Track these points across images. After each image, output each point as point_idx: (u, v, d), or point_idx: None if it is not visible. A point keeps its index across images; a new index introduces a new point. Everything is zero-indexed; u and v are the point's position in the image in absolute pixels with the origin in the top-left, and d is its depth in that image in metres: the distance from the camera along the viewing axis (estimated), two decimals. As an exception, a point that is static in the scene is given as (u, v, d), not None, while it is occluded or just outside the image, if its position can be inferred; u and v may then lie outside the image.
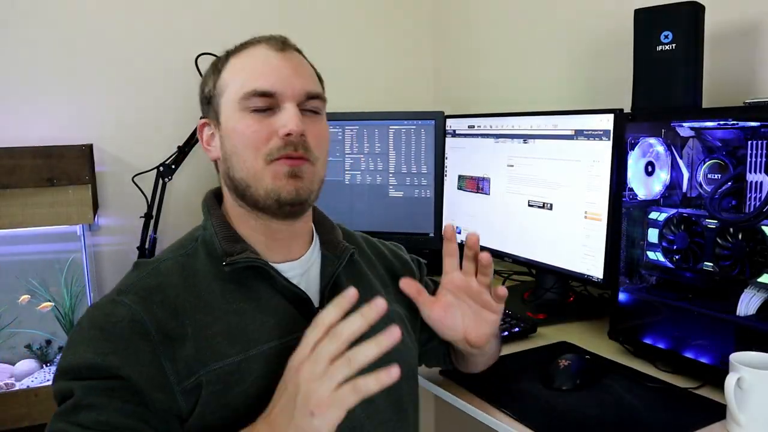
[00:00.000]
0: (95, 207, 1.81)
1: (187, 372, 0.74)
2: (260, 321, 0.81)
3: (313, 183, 0.84)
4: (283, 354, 0.74)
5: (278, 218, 0.84)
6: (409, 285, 0.90)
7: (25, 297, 1.80)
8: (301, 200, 0.82)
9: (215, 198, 0.92)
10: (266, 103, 0.81)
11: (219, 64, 0.87)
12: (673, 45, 1.20)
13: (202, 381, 0.74)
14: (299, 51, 0.89)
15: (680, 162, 1.19)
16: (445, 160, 1.81)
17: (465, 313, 0.92)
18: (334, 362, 0.65)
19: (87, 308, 0.81)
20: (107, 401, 0.70)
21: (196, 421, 0.74)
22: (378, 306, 0.67)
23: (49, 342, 1.85)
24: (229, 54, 0.87)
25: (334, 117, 1.86)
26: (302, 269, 0.89)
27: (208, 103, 0.87)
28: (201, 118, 0.89)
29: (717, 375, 1.00)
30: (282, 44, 0.85)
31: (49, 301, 1.83)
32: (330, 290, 0.88)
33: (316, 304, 0.87)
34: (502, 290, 0.88)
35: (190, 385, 0.74)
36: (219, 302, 0.80)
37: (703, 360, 1.06)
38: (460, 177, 1.76)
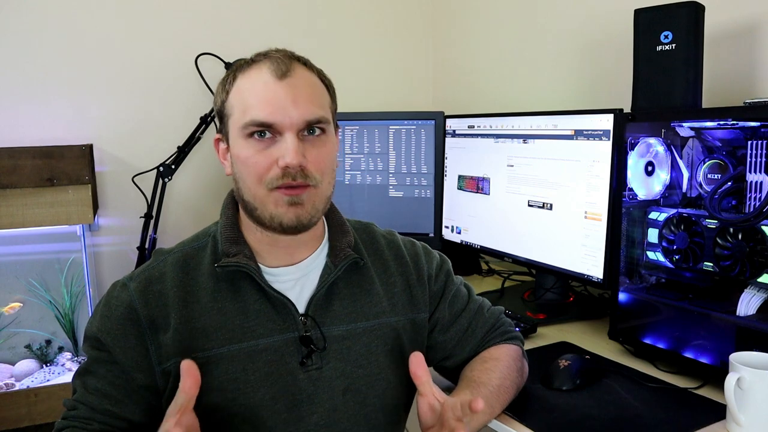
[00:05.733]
0: (95, 207, 1.81)
1: (165, 357, 0.86)
2: (240, 321, 0.88)
3: (315, 205, 0.87)
4: (253, 355, 0.86)
5: (283, 235, 0.88)
6: (414, 364, 0.85)
7: (14, 305, 1.80)
8: (303, 224, 0.86)
9: (234, 198, 0.95)
10: (265, 130, 0.84)
11: (227, 83, 0.89)
12: (673, 45, 1.20)
13: (171, 369, 0.85)
14: (306, 64, 0.90)
15: (680, 162, 1.19)
16: (445, 160, 1.81)
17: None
18: None
19: (113, 282, 0.92)
20: (104, 372, 0.86)
21: (166, 401, 0.85)
22: None
23: (49, 342, 1.85)
24: (236, 72, 0.88)
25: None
26: (299, 274, 0.92)
27: (221, 120, 0.91)
28: (217, 131, 0.93)
29: (717, 375, 1.01)
30: (285, 68, 0.85)
31: (50, 301, 1.84)
32: (321, 298, 0.91)
33: (302, 309, 0.90)
34: (477, 403, 0.79)
35: (166, 369, 0.86)
36: (207, 299, 0.88)
37: (703, 360, 1.06)
38: (460, 177, 1.76)
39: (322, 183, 0.87)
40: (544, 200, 1.47)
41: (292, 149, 0.83)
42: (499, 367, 0.97)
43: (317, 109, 0.86)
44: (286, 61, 0.86)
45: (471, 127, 1.72)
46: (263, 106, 0.83)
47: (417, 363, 0.83)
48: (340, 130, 0.96)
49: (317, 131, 0.87)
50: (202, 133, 1.87)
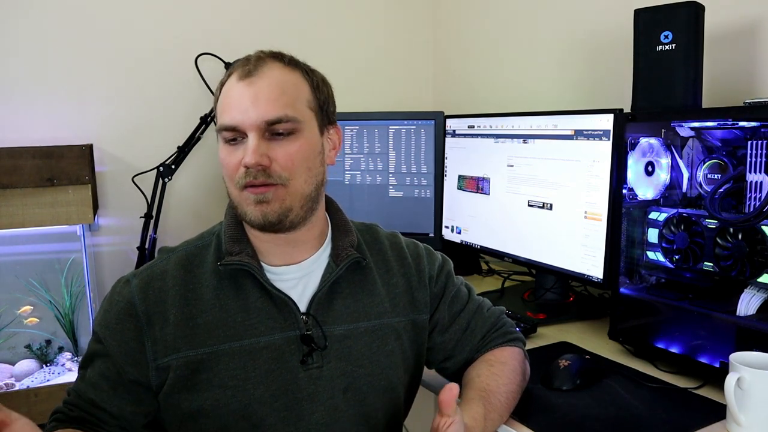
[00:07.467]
0: (95, 207, 1.81)
1: (163, 352, 0.86)
2: (241, 319, 0.89)
3: (285, 204, 0.86)
4: (253, 352, 0.87)
5: (264, 233, 0.90)
6: (445, 395, 0.81)
7: (26, 308, 1.81)
8: (271, 222, 0.86)
9: None
10: (234, 134, 0.86)
11: (217, 89, 0.92)
12: (673, 45, 1.20)
13: (171, 364, 0.86)
14: (285, 60, 0.89)
15: (680, 162, 1.19)
16: (445, 160, 1.81)
17: None
18: None
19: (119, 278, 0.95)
20: (99, 364, 0.89)
21: (164, 397, 0.88)
22: None
23: (49, 342, 1.85)
24: (224, 78, 0.91)
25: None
26: (301, 273, 0.93)
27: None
28: None
29: (717, 375, 1.01)
30: (250, 69, 0.86)
31: (50, 301, 1.84)
32: (323, 297, 0.92)
33: (303, 308, 0.91)
34: None
35: (162, 365, 0.86)
36: (210, 296, 0.89)
37: (703, 360, 1.06)
38: (460, 177, 1.76)
39: (292, 181, 0.86)
40: (544, 200, 1.47)
41: (250, 149, 0.84)
42: (506, 372, 0.97)
43: (279, 109, 0.85)
44: (254, 62, 0.87)
45: (471, 127, 1.72)
46: (228, 110, 0.86)
47: (445, 392, 0.79)
48: (340, 129, 0.96)
49: (286, 132, 0.86)
50: (202, 133, 1.87)
